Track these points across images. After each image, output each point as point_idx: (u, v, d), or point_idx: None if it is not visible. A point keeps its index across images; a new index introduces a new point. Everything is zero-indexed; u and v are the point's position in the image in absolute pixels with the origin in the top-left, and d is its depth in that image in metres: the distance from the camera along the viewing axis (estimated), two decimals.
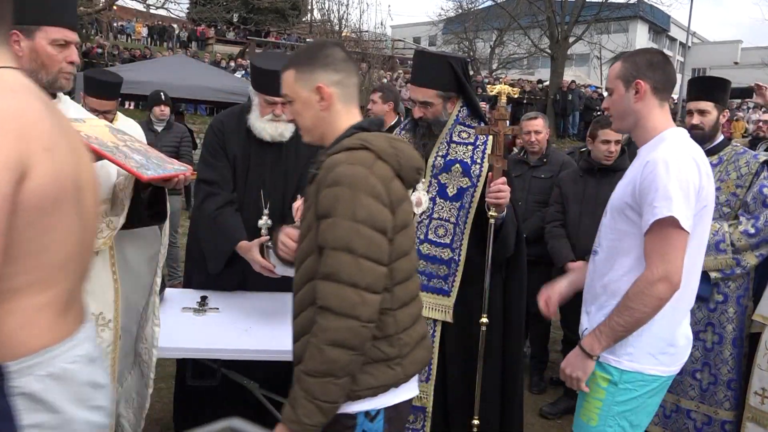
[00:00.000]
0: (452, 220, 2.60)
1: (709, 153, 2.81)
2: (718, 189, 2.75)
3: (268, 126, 2.85)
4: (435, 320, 2.60)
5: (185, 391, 2.98)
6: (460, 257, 2.57)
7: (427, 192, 2.63)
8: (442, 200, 2.60)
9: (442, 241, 2.59)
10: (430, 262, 2.59)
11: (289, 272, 2.58)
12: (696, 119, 2.97)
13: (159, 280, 2.17)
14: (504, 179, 2.44)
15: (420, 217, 2.59)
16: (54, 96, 1.99)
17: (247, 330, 2.55)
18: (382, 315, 1.51)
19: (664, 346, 1.89)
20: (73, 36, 1.90)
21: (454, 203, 2.60)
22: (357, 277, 1.42)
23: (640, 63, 1.90)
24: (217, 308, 2.75)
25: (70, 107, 2.05)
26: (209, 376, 2.63)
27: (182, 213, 7.92)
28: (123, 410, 2.18)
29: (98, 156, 1.79)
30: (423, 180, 2.56)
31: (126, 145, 1.89)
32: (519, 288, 2.81)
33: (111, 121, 3.49)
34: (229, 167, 2.89)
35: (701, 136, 2.89)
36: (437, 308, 2.59)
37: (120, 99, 3.82)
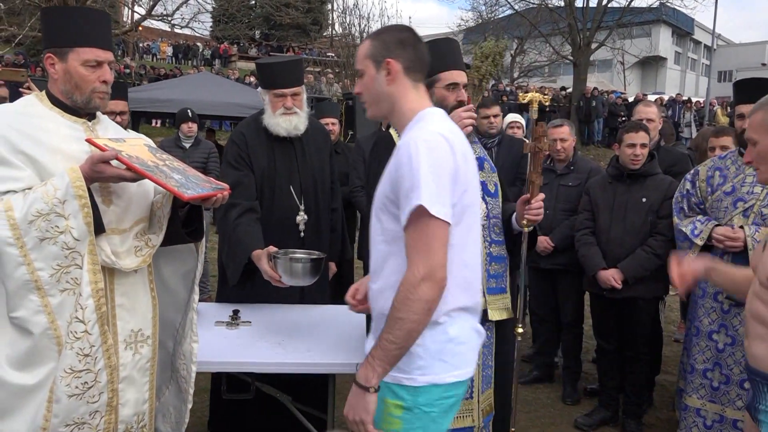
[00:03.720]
0: (500, 216, 2.56)
1: None
2: None
3: (282, 120, 2.94)
4: (491, 322, 2.49)
5: (220, 404, 3.01)
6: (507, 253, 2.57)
7: None
8: (489, 198, 2.54)
9: (500, 239, 2.53)
10: (496, 262, 2.50)
11: (294, 283, 2.62)
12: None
13: (196, 297, 2.19)
14: (543, 195, 2.42)
15: (483, 220, 2.46)
16: (93, 116, 2.04)
17: (280, 343, 2.56)
18: None
19: (451, 345, 1.67)
20: (105, 55, 1.94)
21: (496, 199, 2.58)
22: None
23: (389, 41, 1.74)
24: (249, 322, 2.78)
25: (108, 127, 2.10)
26: (244, 389, 2.65)
27: (210, 228, 8.01)
28: (161, 425, 2.20)
29: (139, 176, 1.83)
30: None
31: (165, 164, 1.93)
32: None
33: (125, 124, 3.57)
34: (252, 175, 2.95)
35: None
36: (502, 308, 2.50)
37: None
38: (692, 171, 3.23)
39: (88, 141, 1.87)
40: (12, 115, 1.90)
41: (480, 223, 1.81)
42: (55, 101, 1.96)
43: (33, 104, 1.96)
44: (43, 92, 1.99)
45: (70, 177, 1.78)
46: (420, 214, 1.55)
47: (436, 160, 1.58)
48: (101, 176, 1.82)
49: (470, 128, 2.30)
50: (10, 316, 1.78)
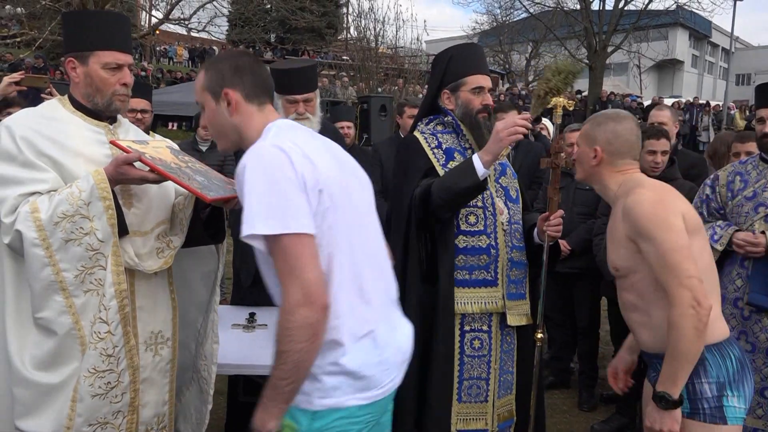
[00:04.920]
0: (521, 222, 2.55)
1: None
2: None
3: None
4: (512, 328, 2.49)
5: (237, 407, 3.03)
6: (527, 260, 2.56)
7: (497, 197, 2.52)
8: (511, 204, 2.53)
9: (521, 245, 2.53)
10: (516, 268, 2.49)
11: None
12: None
13: (217, 299, 2.20)
14: (561, 212, 2.42)
15: (505, 225, 2.47)
16: (114, 120, 2.06)
17: None
18: None
19: (349, 380, 1.53)
20: (125, 58, 1.96)
21: (518, 205, 2.57)
22: None
23: (225, 70, 1.64)
24: (266, 325, 2.79)
25: (129, 130, 2.12)
26: (261, 392, 2.65)
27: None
28: (181, 426, 2.21)
29: (163, 177, 1.85)
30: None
31: (188, 166, 1.94)
32: None
33: (147, 123, 3.60)
34: None
35: None
36: (521, 314, 2.49)
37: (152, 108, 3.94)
38: (712, 176, 3.19)
39: (112, 143, 1.89)
40: (36, 118, 1.93)
41: (374, 218, 1.71)
42: (77, 105, 1.99)
43: (56, 108, 1.99)
44: (65, 96, 2.02)
45: (95, 179, 1.80)
46: (272, 239, 1.42)
47: (271, 176, 1.44)
48: (125, 178, 1.85)
49: (520, 136, 2.28)
50: (35, 317, 1.81)
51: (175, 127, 16.85)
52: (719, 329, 1.91)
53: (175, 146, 2.10)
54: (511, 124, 2.25)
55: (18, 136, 1.83)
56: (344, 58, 23.18)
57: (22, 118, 1.92)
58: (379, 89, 15.16)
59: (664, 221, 1.86)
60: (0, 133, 1.86)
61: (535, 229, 2.51)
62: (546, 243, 2.43)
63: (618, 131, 2.06)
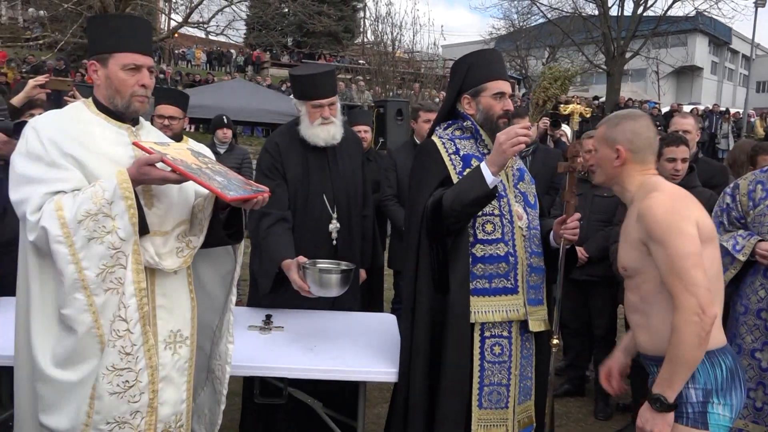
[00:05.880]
0: (539, 227, 2.54)
1: None
2: None
3: (320, 131, 2.98)
4: (530, 333, 2.46)
5: (251, 408, 3.04)
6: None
7: (516, 202, 2.50)
8: (529, 209, 2.51)
9: (539, 250, 2.51)
10: (535, 273, 2.47)
11: (323, 293, 2.63)
12: None
13: (234, 299, 2.22)
14: (579, 215, 2.40)
15: (524, 231, 2.45)
16: (136, 121, 2.09)
17: (312, 349, 2.58)
18: None
19: None
20: (144, 60, 2.00)
21: (536, 211, 2.55)
22: None
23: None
24: (282, 327, 2.80)
25: (151, 132, 2.15)
26: (276, 394, 2.66)
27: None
28: (195, 425, 2.23)
29: (184, 178, 1.87)
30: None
31: (208, 167, 1.97)
32: None
33: (179, 131, 3.65)
34: (285, 185, 2.99)
35: None
36: (540, 320, 2.47)
37: (186, 117, 3.98)
38: (732, 184, 3.15)
39: (135, 144, 1.93)
40: (61, 120, 1.97)
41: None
42: (101, 107, 2.03)
43: (81, 110, 2.03)
44: (90, 99, 2.06)
45: (118, 179, 1.83)
46: None
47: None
48: (147, 178, 1.88)
49: (522, 146, 2.26)
50: (60, 312, 1.84)
51: (192, 129, 17.02)
52: (714, 337, 1.90)
53: (195, 147, 2.13)
54: (513, 135, 2.24)
55: (44, 136, 1.88)
56: (360, 62, 23.25)
57: (48, 119, 1.97)
58: (395, 93, 15.19)
59: (676, 226, 1.85)
60: (27, 134, 1.91)
61: (551, 234, 2.50)
62: (562, 246, 2.41)
63: (636, 129, 2.05)
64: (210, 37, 17.48)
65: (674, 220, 1.86)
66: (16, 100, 3.50)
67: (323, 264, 2.73)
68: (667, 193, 1.96)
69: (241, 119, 11.48)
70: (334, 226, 3.06)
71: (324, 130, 2.99)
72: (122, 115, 2.03)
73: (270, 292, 2.92)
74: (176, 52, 30.22)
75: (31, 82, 3.52)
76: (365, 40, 22.10)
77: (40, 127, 1.91)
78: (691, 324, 1.78)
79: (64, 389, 1.84)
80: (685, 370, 1.83)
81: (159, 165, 1.86)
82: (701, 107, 20.58)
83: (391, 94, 14.75)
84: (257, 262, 2.97)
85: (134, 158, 1.93)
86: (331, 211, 3.05)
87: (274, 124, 12.36)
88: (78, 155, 1.89)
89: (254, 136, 17.90)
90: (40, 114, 3.10)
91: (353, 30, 29.01)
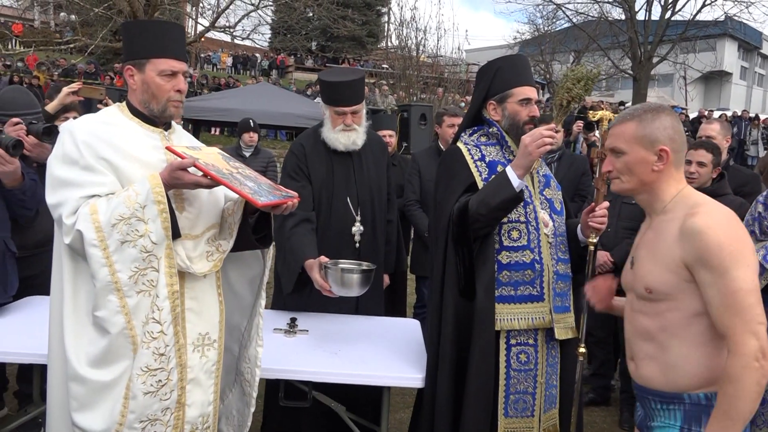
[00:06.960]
0: (565, 234, 2.52)
1: None
2: None
3: (341, 136, 3.02)
4: (556, 341, 2.44)
5: (273, 411, 3.06)
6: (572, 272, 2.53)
7: (542, 209, 2.48)
8: (555, 216, 2.49)
9: (566, 257, 2.49)
10: (562, 281, 2.45)
11: (344, 293, 2.64)
12: None
13: (263, 302, 2.24)
14: (607, 204, 2.36)
15: (550, 238, 2.43)
16: (169, 126, 2.13)
17: (336, 353, 2.59)
18: None
19: None
20: (179, 66, 2.04)
21: (562, 217, 2.54)
22: None
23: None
24: (307, 330, 2.82)
25: (182, 136, 2.19)
26: (300, 397, 2.68)
27: None
28: (224, 427, 2.26)
29: (215, 182, 1.90)
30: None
31: (239, 172, 2.00)
32: None
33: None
34: (309, 187, 3.02)
35: None
36: (567, 327, 2.44)
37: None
38: (764, 193, 3.09)
39: (168, 149, 1.96)
40: (95, 124, 2.01)
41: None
42: (135, 111, 2.07)
43: (114, 114, 2.08)
44: (124, 103, 2.11)
45: (151, 183, 1.86)
46: None
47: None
48: (179, 182, 1.90)
49: (548, 147, 2.26)
50: (94, 314, 1.88)
51: (217, 132, 17.23)
52: None
53: (226, 154, 2.16)
54: (538, 137, 2.23)
55: (80, 140, 1.92)
56: (384, 66, 23.31)
57: (83, 123, 2.01)
58: (419, 97, 15.18)
59: (742, 256, 1.61)
60: (63, 138, 1.95)
61: (579, 227, 2.47)
62: (590, 247, 2.38)
63: (674, 125, 1.80)
64: (236, 41, 17.67)
65: (738, 248, 1.61)
66: (51, 107, 3.59)
67: (344, 264, 2.74)
68: (721, 211, 1.70)
69: (265, 123, 11.57)
70: (357, 228, 3.08)
71: (344, 136, 3.03)
72: (156, 119, 2.07)
73: (292, 292, 2.95)
74: (202, 56, 30.63)
75: (65, 90, 3.62)
76: (389, 44, 22.18)
77: (76, 130, 1.95)
78: (752, 371, 1.53)
79: (98, 389, 1.88)
80: (740, 425, 1.56)
81: (191, 169, 1.89)
82: (729, 113, 20.21)
83: (414, 98, 14.74)
84: (281, 262, 3.00)
85: (167, 162, 1.96)
86: (354, 214, 3.08)
87: (298, 128, 12.46)
88: (112, 159, 1.93)
89: (278, 140, 18.05)
90: (75, 117, 3.17)
91: (377, 34, 29.10)
